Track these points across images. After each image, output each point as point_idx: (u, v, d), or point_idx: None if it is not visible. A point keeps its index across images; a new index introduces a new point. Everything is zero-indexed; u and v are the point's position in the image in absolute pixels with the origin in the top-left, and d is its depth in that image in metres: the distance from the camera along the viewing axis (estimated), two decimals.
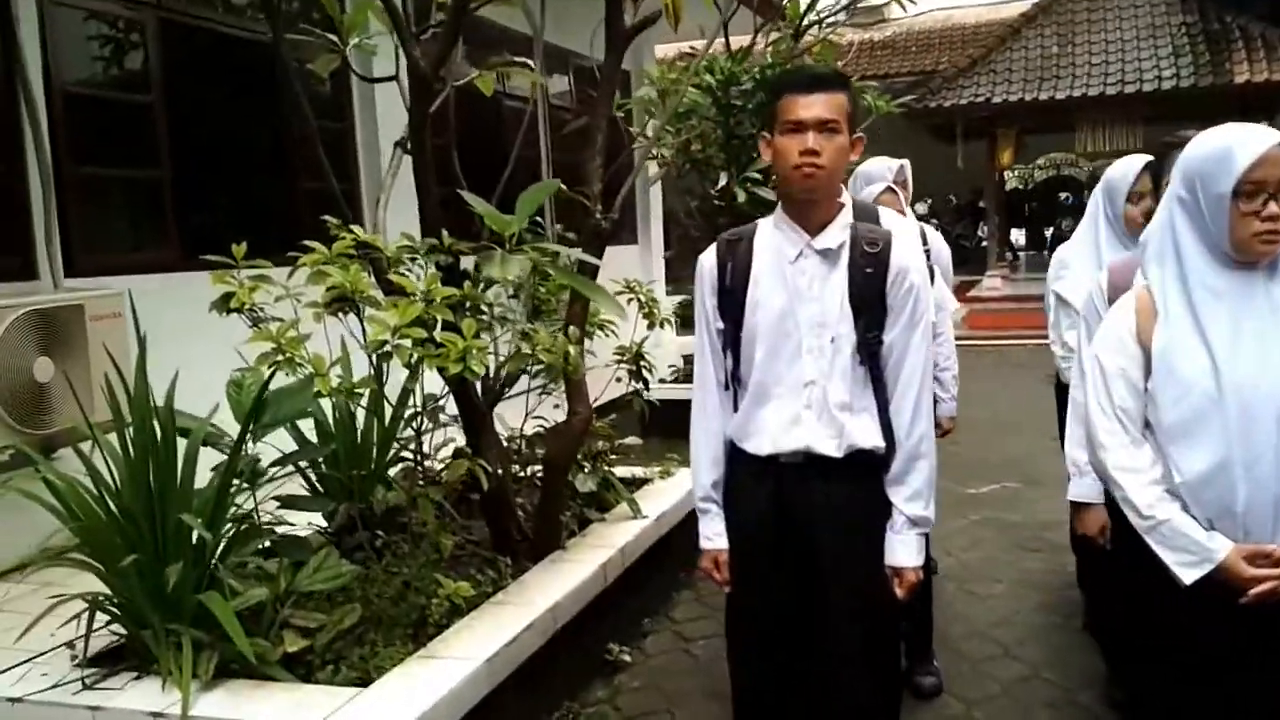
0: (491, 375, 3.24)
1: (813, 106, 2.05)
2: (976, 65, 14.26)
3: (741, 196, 7.20)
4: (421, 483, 3.17)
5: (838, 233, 2.15)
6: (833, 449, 2.15)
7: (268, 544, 3.05)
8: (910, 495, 2.18)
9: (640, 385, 4.12)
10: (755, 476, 2.23)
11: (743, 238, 2.24)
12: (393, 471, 3.75)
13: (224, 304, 2.78)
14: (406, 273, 3.03)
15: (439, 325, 2.77)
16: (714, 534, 2.30)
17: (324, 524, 3.48)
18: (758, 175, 7.30)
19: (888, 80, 14.63)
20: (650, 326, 4.29)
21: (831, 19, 8.31)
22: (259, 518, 3.14)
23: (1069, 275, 3.27)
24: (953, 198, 20.40)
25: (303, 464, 3.49)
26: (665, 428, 3.81)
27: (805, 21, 8.02)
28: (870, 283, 2.13)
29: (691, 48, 11.12)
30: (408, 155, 3.35)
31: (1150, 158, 3.13)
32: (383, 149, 6.20)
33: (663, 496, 4.40)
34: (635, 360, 4.03)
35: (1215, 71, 12.83)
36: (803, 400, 2.16)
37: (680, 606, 4.31)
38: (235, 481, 2.91)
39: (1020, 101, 13.70)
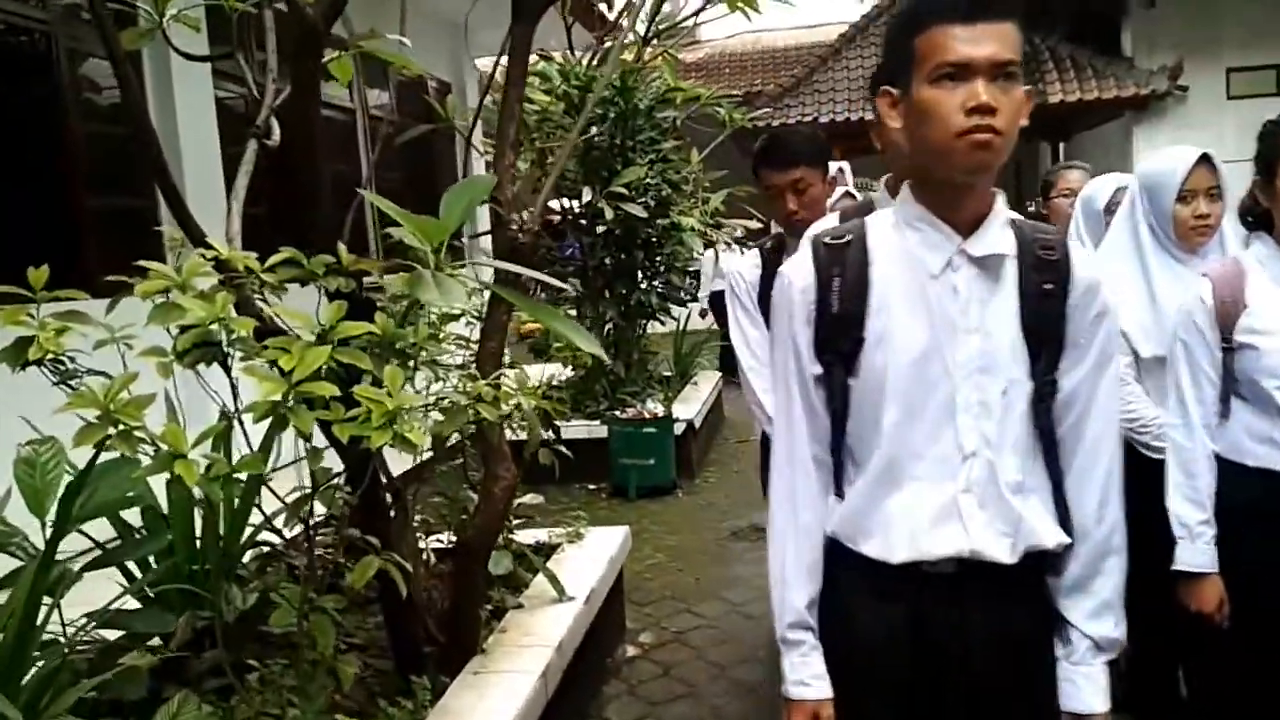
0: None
1: (982, 42, 1.35)
2: (800, 85, 14.17)
3: (609, 214, 6.51)
4: (314, 594, 2.29)
5: (1000, 233, 1.48)
6: (1005, 552, 1.46)
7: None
8: (1097, 609, 1.52)
9: (549, 433, 3.36)
10: (878, 594, 1.53)
11: (849, 239, 1.53)
12: (248, 557, 2.86)
13: (18, 354, 1.84)
14: (277, 301, 2.18)
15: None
16: (811, 677, 1.56)
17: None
18: (623, 190, 6.65)
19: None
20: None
21: (655, 36, 7.77)
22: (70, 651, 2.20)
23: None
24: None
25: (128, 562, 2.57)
26: (539, 473, 3.07)
27: (647, 34, 7.47)
28: (1049, 305, 1.46)
29: (480, 70, 10.51)
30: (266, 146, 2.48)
31: (1205, 150, 2.63)
32: (184, 153, 5.19)
33: (582, 568, 3.62)
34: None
35: (1031, 92, 13.12)
36: (959, 482, 1.46)
37: (612, 704, 3.55)
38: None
39: (846, 121, 13.67)
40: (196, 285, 1.95)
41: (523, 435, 2.59)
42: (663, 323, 7.44)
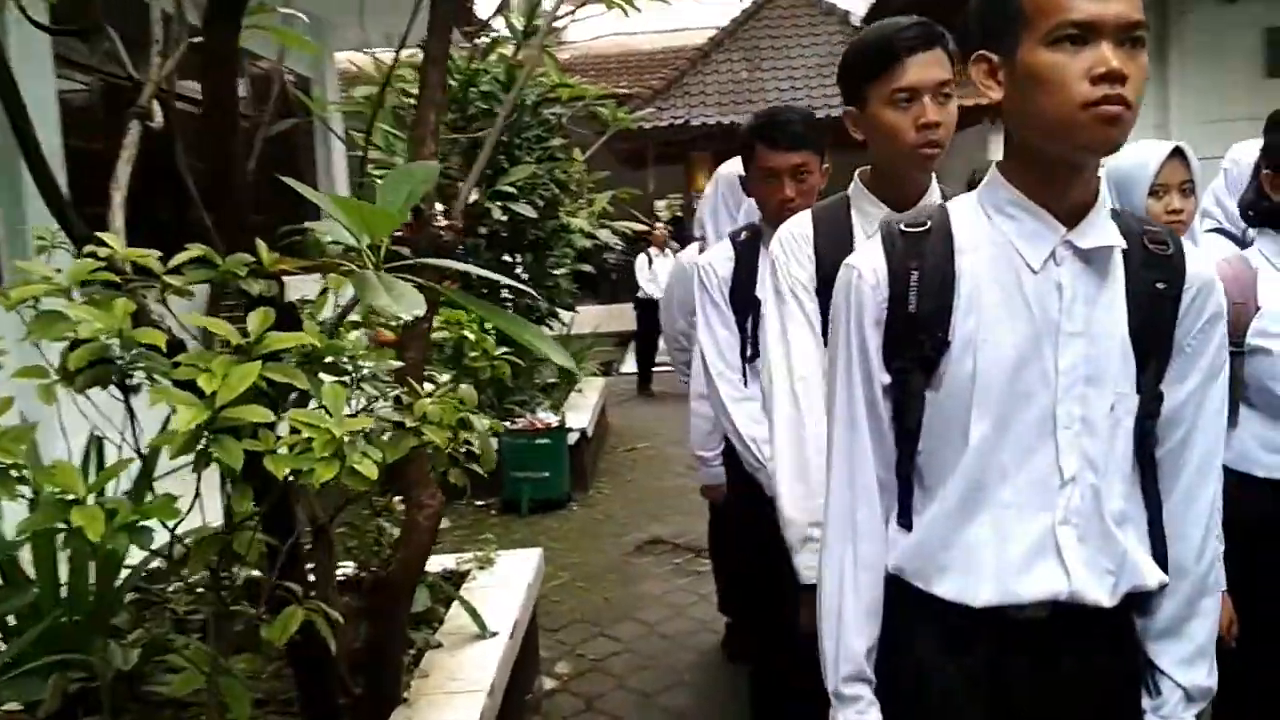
0: None
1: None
2: (671, 88, 14.09)
3: (497, 213, 6.20)
4: (221, 661, 1.93)
5: (1107, 223, 1.29)
6: (1106, 594, 1.27)
7: None
8: (1191, 656, 1.34)
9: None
10: (951, 642, 1.31)
11: (929, 226, 1.32)
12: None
13: None
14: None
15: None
16: None
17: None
18: (512, 189, 6.35)
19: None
20: None
21: (532, 33, 7.51)
22: None
23: None
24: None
25: None
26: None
27: (526, 30, 7.17)
28: (1161, 307, 1.28)
29: (375, 55, 9.92)
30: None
31: (1179, 144, 2.55)
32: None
33: (499, 598, 3.32)
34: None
35: None
36: (1056, 511, 1.26)
37: None
38: None
39: (718, 125, 13.64)
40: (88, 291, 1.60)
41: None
42: (551, 327, 7.16)
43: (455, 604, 3.15)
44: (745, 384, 2.61)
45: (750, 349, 2.58)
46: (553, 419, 6.25)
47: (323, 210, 1.74)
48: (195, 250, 1.72)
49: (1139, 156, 2.56)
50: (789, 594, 1.99)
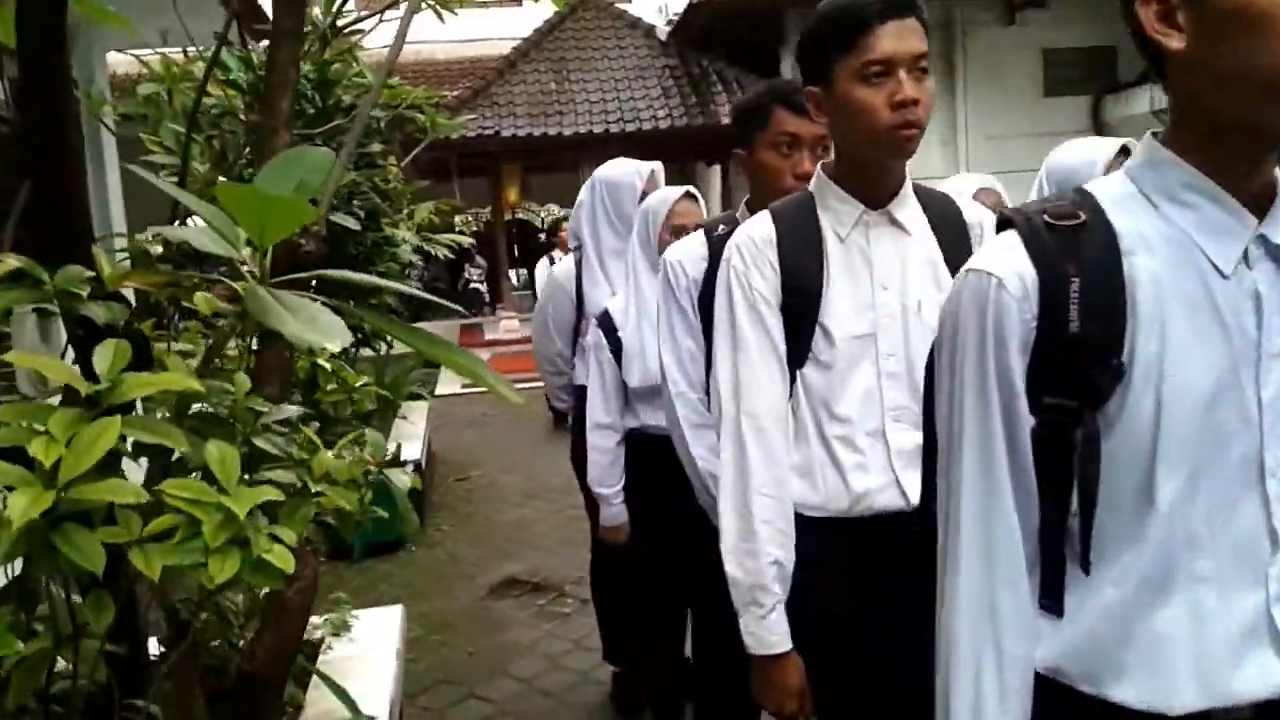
0: None
1: None
2: (477, 97, 13.59)
3: (410, 235, 5.65)
4: None
5: None
6: None
7: None
8: None
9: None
10: None
11: (1083, 218, 1.01)
12: None
13: None
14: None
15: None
16: None
17: None
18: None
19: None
20: None
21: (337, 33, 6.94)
22: None
23: None
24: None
25: None
26: None
27: (333, 27, 6.60)
28: None
29: (142, 60, 8.99)
30: None
31: (1125, 140, 2.40)
32: None
33: (367, 672, 2.83)
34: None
35: (704, 113, 13.46)
36: (1271, 584, 0.98)
37: None
38: None
39: (529, 136, 13.26)
40: None
41: None
42: (376, 350, 6.57)
43: (314, 681, 2.65)
44: (708, 406, 2.28)
45: None
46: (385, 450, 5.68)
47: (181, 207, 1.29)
48: (13, 262, 1.21)
49: (1085, 153, 2.41)
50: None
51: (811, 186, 1.75)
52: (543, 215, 24.00)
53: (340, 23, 6.58)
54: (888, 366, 1.64)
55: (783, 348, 1.66)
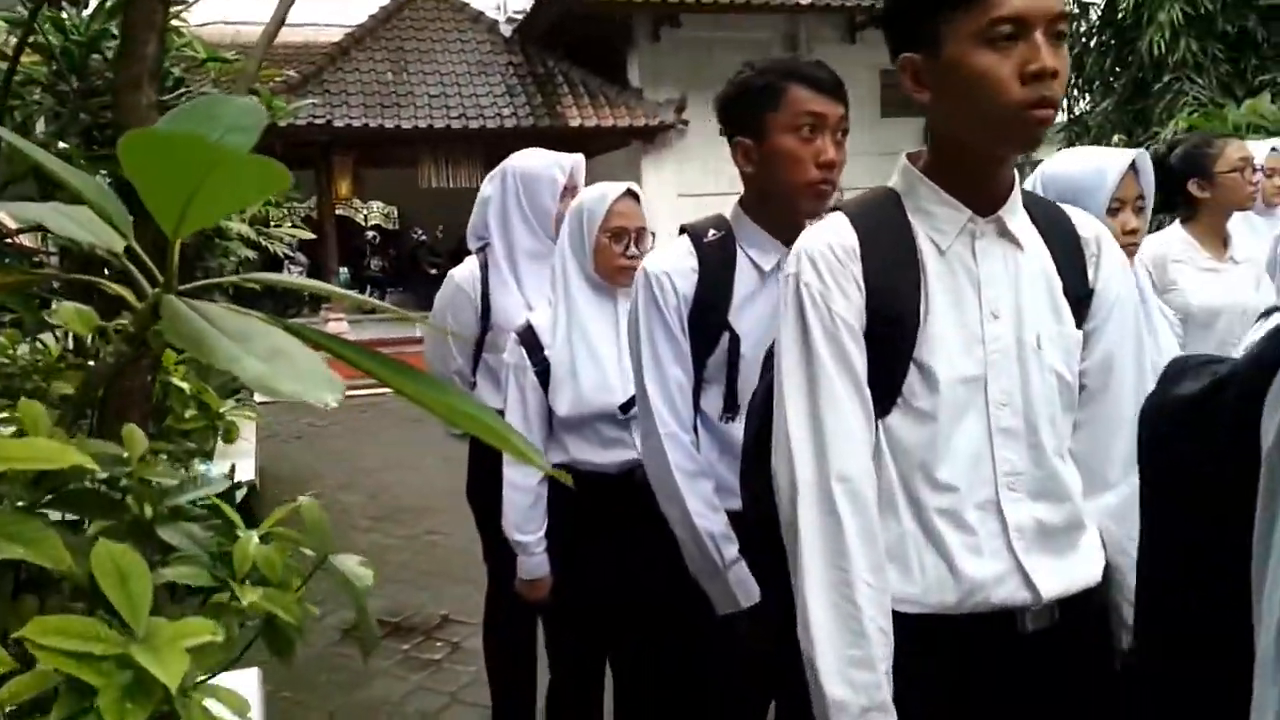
0: None
1: None
2: (307, 84, 12.67)
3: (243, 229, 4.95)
4: None
5: None
6: None
7: None
8: None
9: None
10: None
11: None
12: None
13: None
14: None
15: None
16: None
17: None
18: None
19: None
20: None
21: None
22: None
23: None
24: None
25: None
26: None
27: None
28: None
29: None
30: None
31: (1139, 152, 2.16)
32: None
33: None
34: None
35: (550, 114, 13.02)
36: None
37: None
38: None
39: (364, 127, 12.46)
40: None
41: None
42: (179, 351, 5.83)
43: None
44: (697, 447, 1.87)
45: (721, 400, 1.84)
46: (213, 470, 5.00)
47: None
48: None
49: (1093, 163, 2.16)
50: None
51: (896, 184, 1.38)
52: (365, 213, 22.96)
53: None
54: (1001, 419, 1.29)
55: (868, 394, 1.29)
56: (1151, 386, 1.38)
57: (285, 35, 17.72)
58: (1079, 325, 1.36)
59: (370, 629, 1.16)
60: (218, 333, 0.78)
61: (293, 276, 1.14)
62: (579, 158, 2.86)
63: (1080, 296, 1.36)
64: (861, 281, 1.30)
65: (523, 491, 2.41)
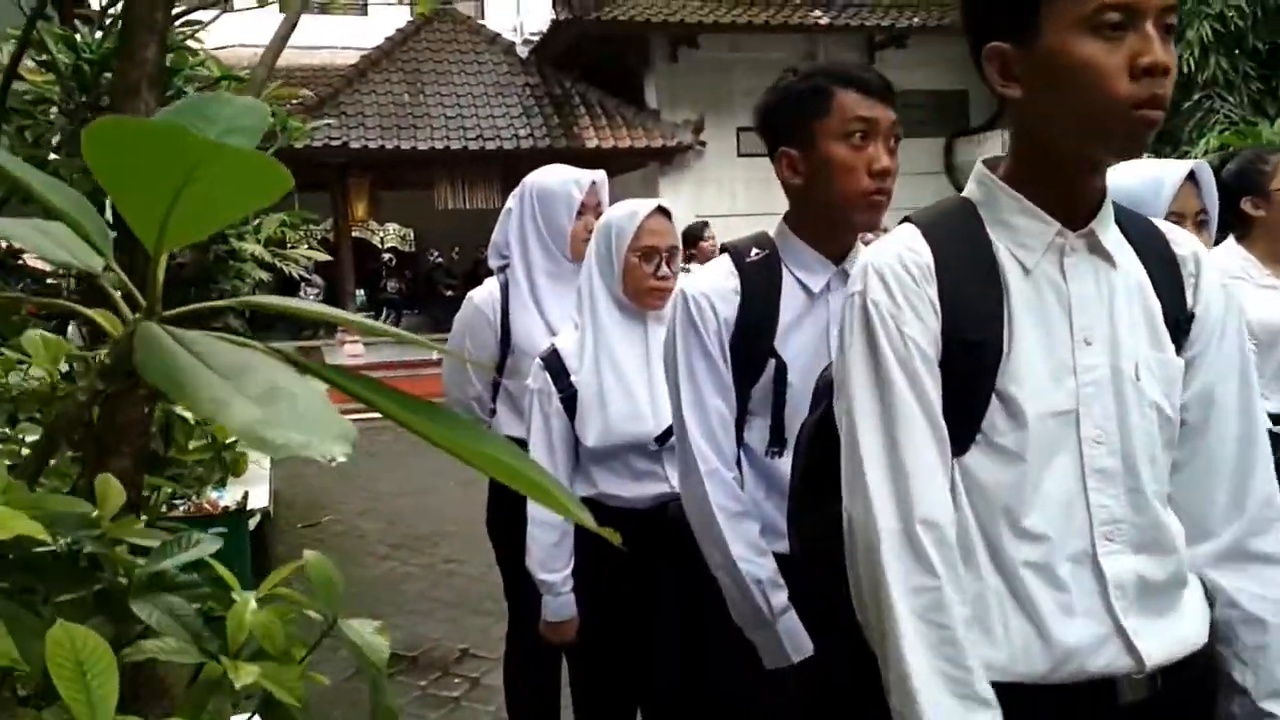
0: None
1: None
2: (324, 106, 12.62)
3: (257, 250, 4.85)
4: None
5: None
6: None
7: None
8: None
9: None
10: None
11: None
12: None
13: None
14: None
15: None
16: None
17: None
18: None
19: None
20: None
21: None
22: None
23: None
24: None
25: None
26: None
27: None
28: None
29: None
30: None
31: (1198, 163, 2.02)
32: None
33: None
34: None
35: (567, 135, 12.92)
36: None
37: None
38: None
39: (381, 149, 12.39)
40: None
41: None
42: None
43: None
44: (741, 485, 1.72)
45: (767, 433, 1.69)
46: (225, 498, 4.88)
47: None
48: None
49: (1151, 173, 2.03)
50: None
51: (973, 193, 1.23)
52: (381, 235, 22.94)
53: (175, 10, 5.73)
54: (1096, 459, 1.14)
55: (944, 429, 1.14)
56: (1262, 420, 1.23)
57: (302, 58, 17.79)
58: (1178, 353, 1.21)
59: (388, 714, 1.01)
60: (203, 369, 0.64)
61: (305, 302, 1.01)
62: (600, 174, 2.73)
63: (1179, 321, 1.22)
64: (937, 302, 1.15)
65: (548, 528, 2.27)
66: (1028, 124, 1.17)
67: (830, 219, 1.69)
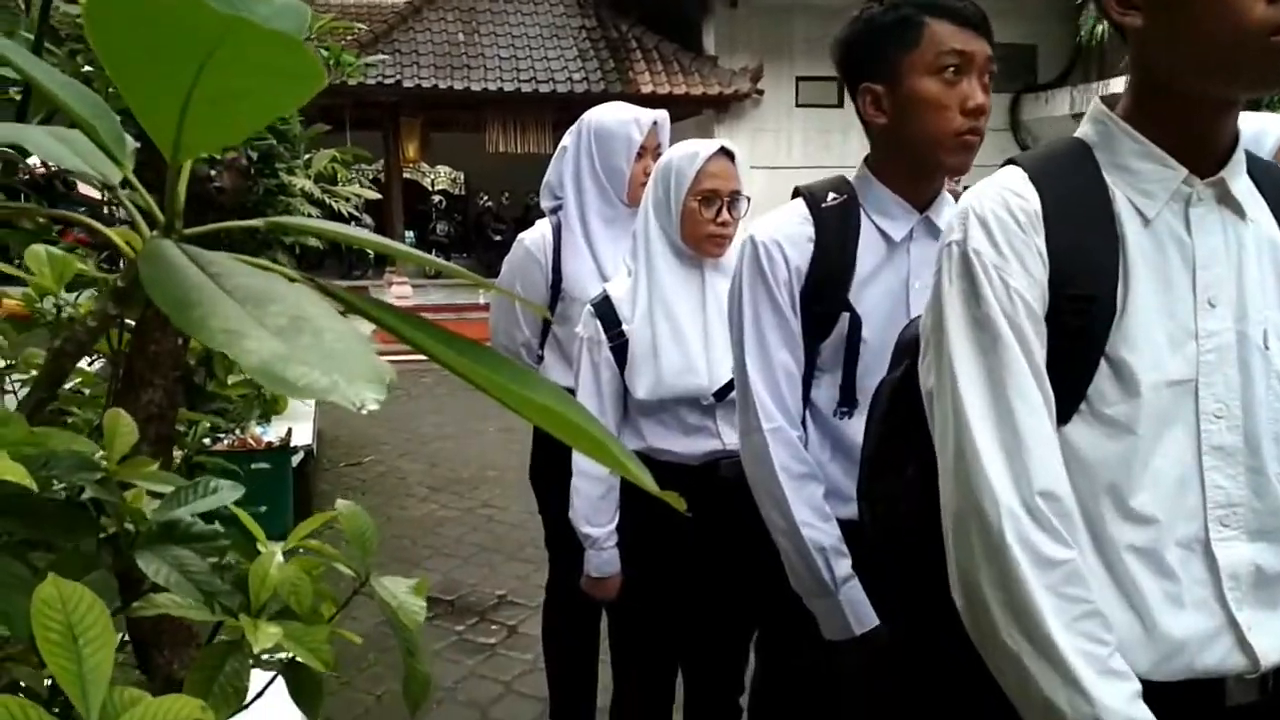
0: None
1: None
2: (378, 43, 12.49)
3: (307, 184, 4.82)
4: None
5: None
6: None
7: None
8: None
9: None
10: None
11: None
12: None
13: None
14: None
15: None
16: None
17: None
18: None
19: None
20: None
21: None
22: None
23: None
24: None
25: None
26: None
27: None
28: None
29: None
30: None
31: None
32: None
33: None
34: None
35: (622, 79, 12.72)
36: None
37: None
38: None
39: (434, 89, 12.27)
40: None
41: None
42: None
43: None
44: (805, 445, 1.61)
45: (836, 391, 1.58)
46: (269, 434, 4.86)
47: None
48: None
49: (1252, 125, 1.88)
50: None
51: (1087, 134, 1.11)
52: (431, 177, 22.86)
53: None
54: (1214, 435, 1.02)
55: (1049, 389, 1.02)
56: None
57: None
58: None
59: (421, 680, 0.93)
60: (218, 292, 0.55)
61: (356, 229, 0.90)
62: (663, 114, 2.61)
63: None
64: (1045, 253, 1.03)
65: (594, 481, 2.18)
66: (1148, 57, 1.04)
67: (917, 161, 1.56)
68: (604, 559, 2.21)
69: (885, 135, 1.57)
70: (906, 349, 1.25)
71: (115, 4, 0.51)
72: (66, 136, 0.74)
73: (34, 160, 1.72)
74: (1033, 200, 1.05)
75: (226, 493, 0.76)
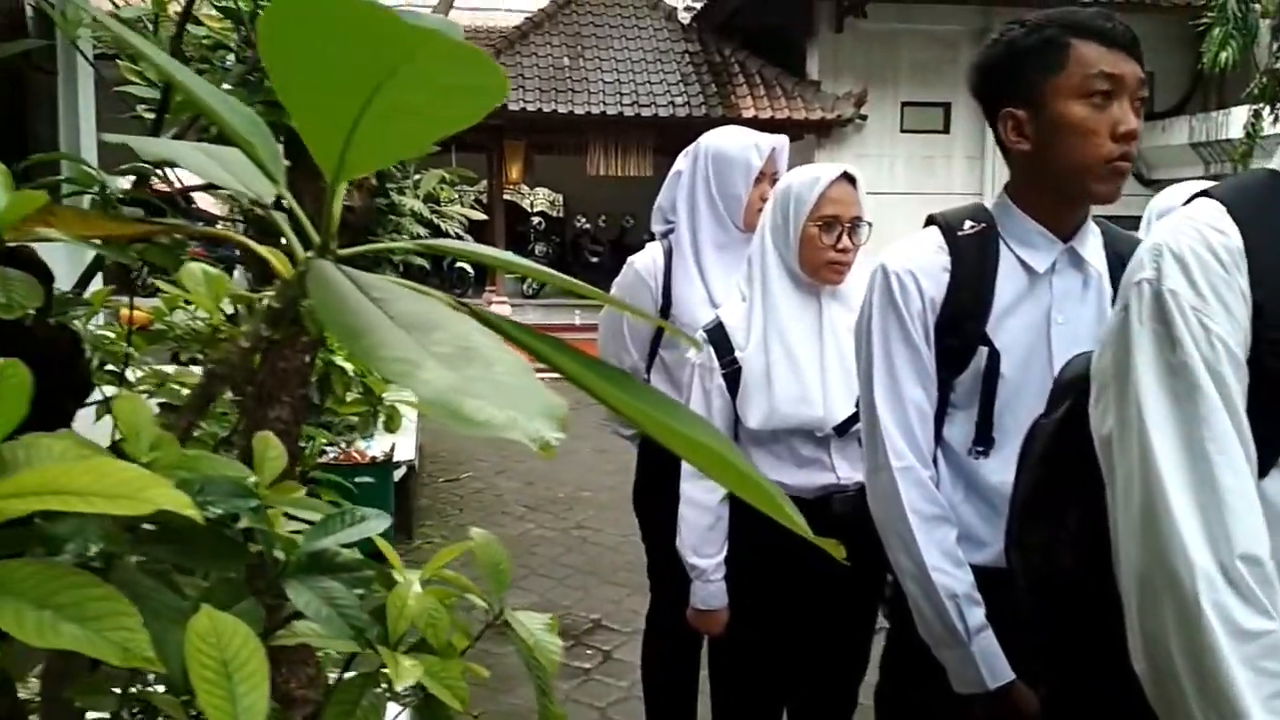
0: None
1: None
2: None
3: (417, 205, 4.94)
4: None
5: None
6: None
7: None
8: None
9: None
10: None
11: None
12: None
13: None
14: None
15: None
16: None
17: None
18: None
19: None
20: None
21: None
22: None
23: None
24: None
25: None
26: None
27: None
28: None
29: None
30: None
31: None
32: None
33: None
34: None
35: (724, 104, 12.74)
36: None
37: None
38: None
39: (538, 111, 12.46)
40: None
41: None
42: None
43: None
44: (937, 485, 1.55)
45: (971, 429, 1.52)
46: (374, 448, 4.94)
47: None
48: None
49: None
50: None
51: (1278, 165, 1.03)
52: (531, 199, 23.17)
53: None
54: None
55: (1252, 445, 0.95)
56: None
57: (467, 18, 18.04)
58: None
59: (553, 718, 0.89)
60: (384, 320, 0.53)
61: (488, 248, 0.88)
62: (782, 140, 2.56)
63: None
64: (1248, 292, 0.96)
65: (702, 510, 2.14)
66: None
67: (1062, 189, 1.49)
68: (711, 591, 2.16)
69: (1028, 162, 1.50)
70: (1069, 388, 1.19)
71: (295, 15, 0.49)
72: (219, 154, 0.74)
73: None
74: (1234, 236, 0.98)
75: (374, 523, 0.74)
